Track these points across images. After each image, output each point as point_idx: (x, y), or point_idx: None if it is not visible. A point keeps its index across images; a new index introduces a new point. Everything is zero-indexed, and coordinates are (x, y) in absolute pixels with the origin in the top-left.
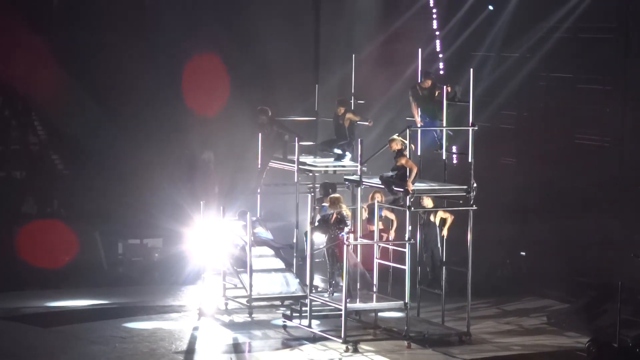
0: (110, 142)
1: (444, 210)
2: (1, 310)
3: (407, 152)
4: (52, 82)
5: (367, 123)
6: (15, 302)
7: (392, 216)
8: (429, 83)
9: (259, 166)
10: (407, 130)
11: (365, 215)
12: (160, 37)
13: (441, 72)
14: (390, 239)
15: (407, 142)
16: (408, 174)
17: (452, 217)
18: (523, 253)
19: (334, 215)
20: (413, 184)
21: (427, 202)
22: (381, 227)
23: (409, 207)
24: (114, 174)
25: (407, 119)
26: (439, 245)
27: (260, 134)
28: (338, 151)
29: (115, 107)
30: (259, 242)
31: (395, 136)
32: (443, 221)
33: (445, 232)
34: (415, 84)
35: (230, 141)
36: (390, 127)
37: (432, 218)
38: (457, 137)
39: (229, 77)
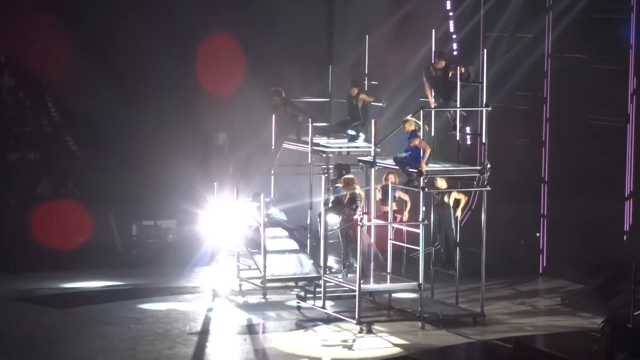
0: (124, 123)
1: (457, 191)
2: (16, 292)
3: (420, 133)
4: (66, 63)
5: (380, 104)
6: (30, 283)
7: (405, 197)
8: (442, 64)
9: (273, 147)
10: (421, 111)
11: (379, 196)
12: (176, 17)
13: (455, 53)
14: (404, 220)
15: (420, 122)
16: (422, 154)
17: (466, 197)
18: (538, 234)
19: (347, 196)
20: (427, 164)
21: (441, 183)
22: (395, 208)
23: (423, 188)
24: (128, 155)
25: (421, 99)
26: (453, 226)
27: (273, 115)
28: (352, 132)
29: (131, 88)
30: (272, 223)
31: (408, 117)
32: (457, 202)
33: (459, 213)
34: (429, 64)
35: (244, 122)
36: (404, 107)
37: (445, 199)
38: (470, 118)
39: (244, 57)
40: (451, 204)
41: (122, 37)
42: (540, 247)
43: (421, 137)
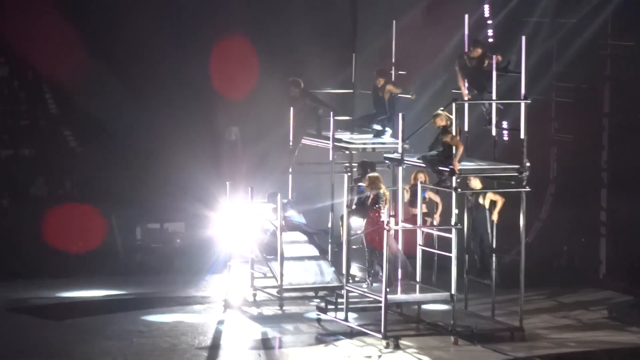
0: (129, 119)
1: (494, 192)
2: (9, 302)
3: (452, 129)
4: (68, 53)
5: (409, 96)
6: (24, 292)
7: (436, 199)
8: (478, 52)
9: (291, 144)
10: (453, 104)
11: (407, 197)
12: (187, 11)
13: (490, 40)
14: (434, 223)
15: (452, 117)
16: (454, 152)
17: (503, 199)
18: (583, 239)
19: (371, 197)
20: (459, 163)
21: (475, 184)
22: (425, 210)
23: (456, 189)
24: (133, 153)
25: (453, 91)
26: (489, 230)
27: (291, 108)
28: (377, 127)
29: (138, 82)
30: (290, 226)
31: (439, 111)
32: (493, 204)
33: (495, 216)
34: (462, 53)
35: (259, 116)
36: (435, 100)
37: (480, 200)
38: (508, 112)
39: (257, 57)
40: (487, 206)
41: (129, 30)
42: (585, 255)
43: (453, 133)
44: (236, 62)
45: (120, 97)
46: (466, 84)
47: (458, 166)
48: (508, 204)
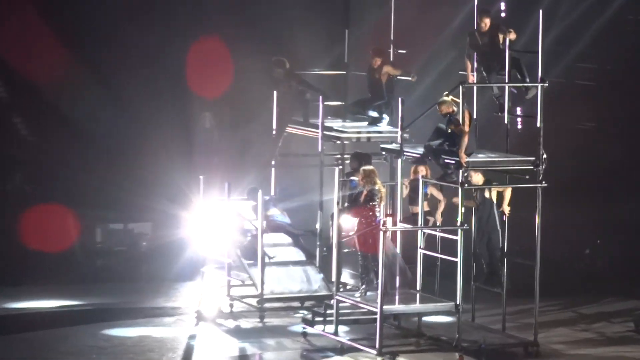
0: (93, 107)
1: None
2: None
3: (459, 116)
4: (32, 40)
5: (409, 78)
6: None
7: (439, 195)
8: (486, 23)
9: (274, 132)
10: (460, 87)
11: (406, 193)
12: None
13: (502, 15)
14: (437, 223)
15: (460, 101)
16: (460, 142)
17: (510, 189)
18: (598, 241)
19: (364, 193)
20: (467, 155)
21: (477, 178)
22: (426, 208)
23: (462, 184)
24: (92, 143)
25: (461, 72)
26: (499, 227)
27: (275, 92)
28: (373, 113)
29: (106, 72)
30: (273, 227)
31: (445, 96)
32: (500, 196)
33: (506, 208)
34: (473, 30)
35: (238, 101)
36: (439, 83)
37: (487, 194)
38: (522, 97)
39: (232, 63)
40: (494, 199)
41: (96, 18)
42: (609, 259)
43: (461, 120)
44: (212, 68)
45: (79, 82)
46: (474, 65)
47: (465, 158)
48: (520, 200)
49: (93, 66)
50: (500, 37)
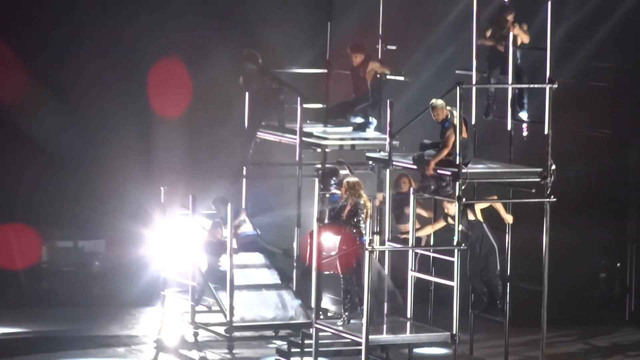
0: (43, 116)
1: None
2: None
3: (457, 121)
4: None
5: (401, 78)
6: None
7: (425, 213)
8: (509, 20)
9: (245, 137)
10: (457, 88)
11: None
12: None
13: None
14: (422, 243)
15: (457, 105)
16: (441, 148)
17: (496, 197)
18: (618, 264)
19: (348, 207)
20: (464, 164)
21: (453, 210)
22: (417, 226)
23: (460, 198)
24: (37, 151)
25: (458, 72)
26: (495, 245)
27: (247, 92)
28: (357, 118)
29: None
30: (244, 244)
31: (438, 100)
32: (485, 212)
33: (508, 217)
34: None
35: (204, 101)
36: (434, 83)
37: (471, 217)
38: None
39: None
40: (480, 217)
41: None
42: (627, 284)
43: (456, 125)
44: (172, 88)
45: (42, 102)
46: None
47: (432, 167)
48: (524, 217)
49: (50, 82)
50: (518, 38)
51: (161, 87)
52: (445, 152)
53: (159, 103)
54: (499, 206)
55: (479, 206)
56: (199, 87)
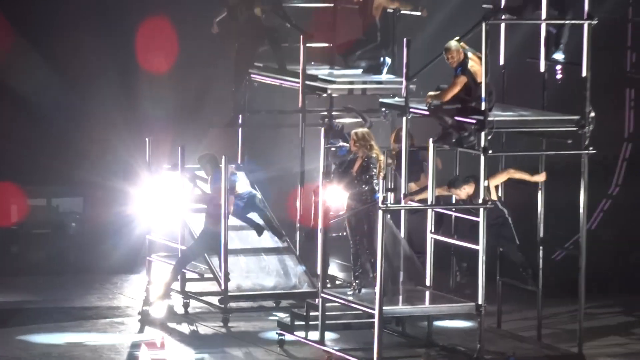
0: (21, 66)
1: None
2: None
3: (476, 66)
4: None
5: (418, 13)
6: None
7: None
8: None
9: (235, 77)
10: (483, 24)
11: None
12: None
13: None
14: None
15: (482, 44)
16: (444, 89)
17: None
18: None
19: (359, 162)
20: (489, 110)
21: (469, 190)
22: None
23: (485, 149)
24: (10, 101)
25: (484, 6)
26: (516, 239)
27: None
28: (368, 59)
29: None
30: (239, 207)
31: (452, 42)
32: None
33: (538, 177)
34: None
35: (192, 38)
36: (456, 19)
37: (484, 196)
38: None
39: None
40: (494, 195)
41: None
42: None
43: (473, 72)
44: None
45: (29, 60)
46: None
47: (429, 100)
48: (558, 173)
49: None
50: None
51: (148, 43)
52: (448, 94)
53: (145, 59)
54: (521, 175)
55: (493, 182)
56: (183, 23)
